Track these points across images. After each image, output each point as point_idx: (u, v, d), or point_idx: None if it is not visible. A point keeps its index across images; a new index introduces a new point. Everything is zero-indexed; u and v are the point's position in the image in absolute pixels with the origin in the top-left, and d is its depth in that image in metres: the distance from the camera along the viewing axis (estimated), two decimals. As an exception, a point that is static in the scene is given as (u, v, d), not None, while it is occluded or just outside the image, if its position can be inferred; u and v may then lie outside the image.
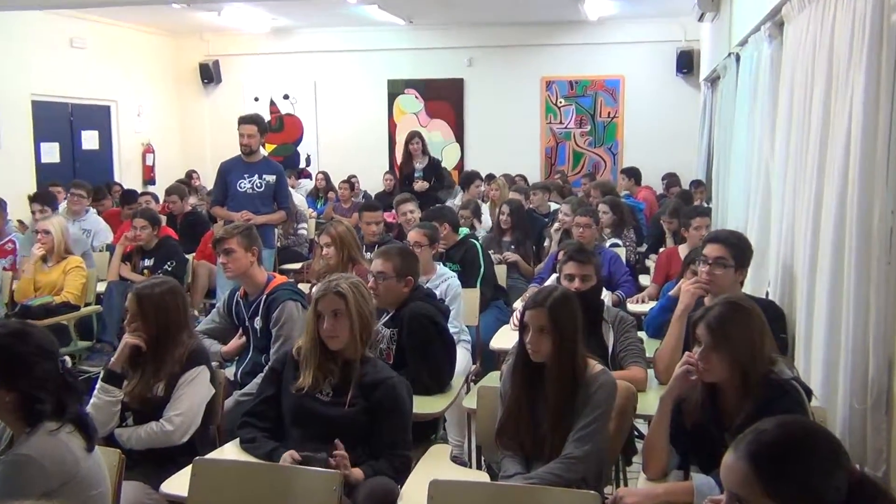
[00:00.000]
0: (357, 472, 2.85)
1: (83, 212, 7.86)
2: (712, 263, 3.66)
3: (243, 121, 6.68)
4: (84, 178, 9.14)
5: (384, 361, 3.46)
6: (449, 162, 12.68)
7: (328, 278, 3.27)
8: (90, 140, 11.67)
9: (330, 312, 3.09)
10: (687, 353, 2.75)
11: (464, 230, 6.46)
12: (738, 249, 3.71)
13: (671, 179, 10.83)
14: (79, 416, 2.37)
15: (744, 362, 2.61)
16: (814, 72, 3.73)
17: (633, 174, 10.44)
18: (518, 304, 5.18)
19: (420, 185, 8.37)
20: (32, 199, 7.61)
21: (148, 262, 6.59)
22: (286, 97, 13.34)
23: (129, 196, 8.77)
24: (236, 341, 4.21)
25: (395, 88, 12.97)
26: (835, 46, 3.39)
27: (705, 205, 8.41)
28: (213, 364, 3.58)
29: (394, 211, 8.94)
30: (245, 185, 6.58)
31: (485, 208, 8.50)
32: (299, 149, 13.42)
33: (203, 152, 13.01)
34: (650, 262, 6.87)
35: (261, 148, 6.79)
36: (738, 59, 6.70)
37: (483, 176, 10.23)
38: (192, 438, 3.24)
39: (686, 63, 11.71)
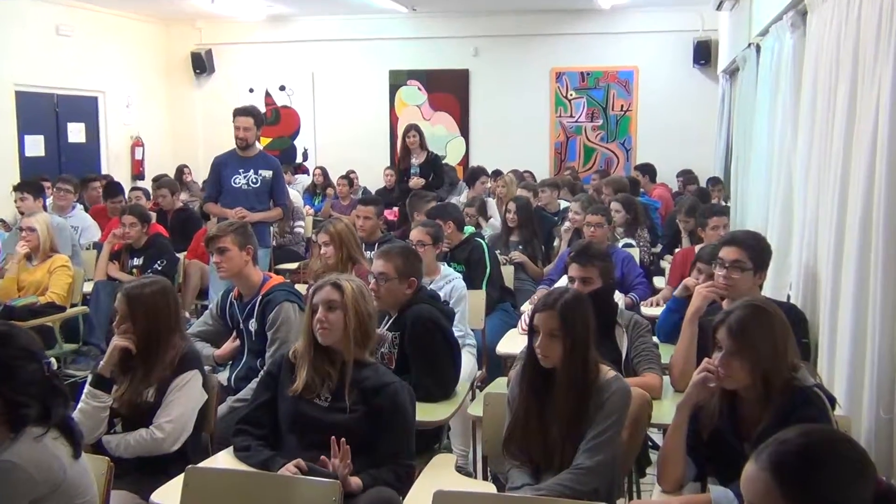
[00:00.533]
0: (355, 481, 2.85)
1: (69, 208, 7.87)
2: (729, 267, 3.66)
3: (239, 113, 6.69)
4: (70, 172, 9.16)
5: (386, 366, 3.47)
6: (453, 157, 12.70)
7: (329, 276, 3.29)
8: (76, 133, 11.69)
9: (324, 303, 3.11)
10: (706, 359, 2.75)
11: (469, 229, 6.47)
12: (755, 252, 3.71)
13: (687, 176, 10.84)
14: (64, 421, 2.38)
15: (766, 368, 2.61)
16: (839, 64, 3.73)
17: (648, 171, 10.44)
18: (526, 307, 5.19)
19: (415, 182, 8.36)
20: (17, 188, 7.60)
21: (137, 261, 6.60)
22: (282, 88, 13.35)
23: (112, 189, 8.69)
24: (230, 345, 4.21)
25: (397, 80, 12.98)
26: (861, 37, 3.38)
27: (723, 203, 8.41)
28: (206, 368, 3.59)
29: (395, 208, 8.98)
30: (240, 180, 6.59)
31: (493, 205, 8.49)
32: (296, 143, 13.43)
33: (195, 146, 13.03)
34: (665, 264, 6.87)
35: (256, 142, 6.80)
36: (758, 49, 6.70)
37: (489, 172, 10.24)
38: (183, 446, 3.24)
39: (703, 54, 11.70)
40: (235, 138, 6.65)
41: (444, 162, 10.25)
